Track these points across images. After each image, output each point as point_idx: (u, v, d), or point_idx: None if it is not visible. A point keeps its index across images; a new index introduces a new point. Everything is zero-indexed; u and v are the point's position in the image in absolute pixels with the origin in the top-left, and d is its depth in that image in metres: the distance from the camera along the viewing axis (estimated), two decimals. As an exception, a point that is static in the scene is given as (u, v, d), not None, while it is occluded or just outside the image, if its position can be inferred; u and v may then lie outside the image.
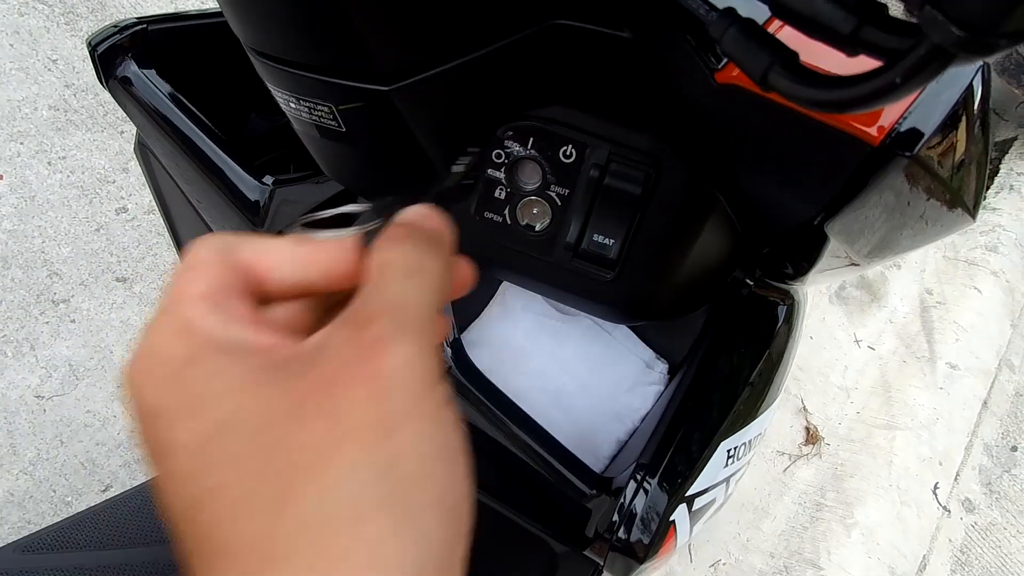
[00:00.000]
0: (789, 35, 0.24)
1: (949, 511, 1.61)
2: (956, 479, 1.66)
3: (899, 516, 1.55)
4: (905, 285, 2.02)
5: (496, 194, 0.39)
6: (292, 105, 0.39)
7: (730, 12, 0.25)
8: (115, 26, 0.57)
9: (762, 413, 0.48)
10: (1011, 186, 2.26)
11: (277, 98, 0.40)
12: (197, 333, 0.20)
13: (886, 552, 1.49)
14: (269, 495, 0.18)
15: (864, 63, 0.21)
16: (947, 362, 1.81)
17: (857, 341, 1.88)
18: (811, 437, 1.69)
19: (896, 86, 0.19)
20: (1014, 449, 1.75)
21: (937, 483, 1.63)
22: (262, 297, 0.23)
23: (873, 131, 0.30)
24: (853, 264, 0.47)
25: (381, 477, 0.18)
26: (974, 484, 1.68)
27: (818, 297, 1.91)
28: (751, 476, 1.59)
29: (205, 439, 0.18)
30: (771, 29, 0.29)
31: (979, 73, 0.30)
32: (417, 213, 0.24)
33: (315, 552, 0.17)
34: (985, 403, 1.79)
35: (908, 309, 1.96)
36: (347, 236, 0.24)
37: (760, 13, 0.27)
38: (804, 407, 1.72)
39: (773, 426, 1.67)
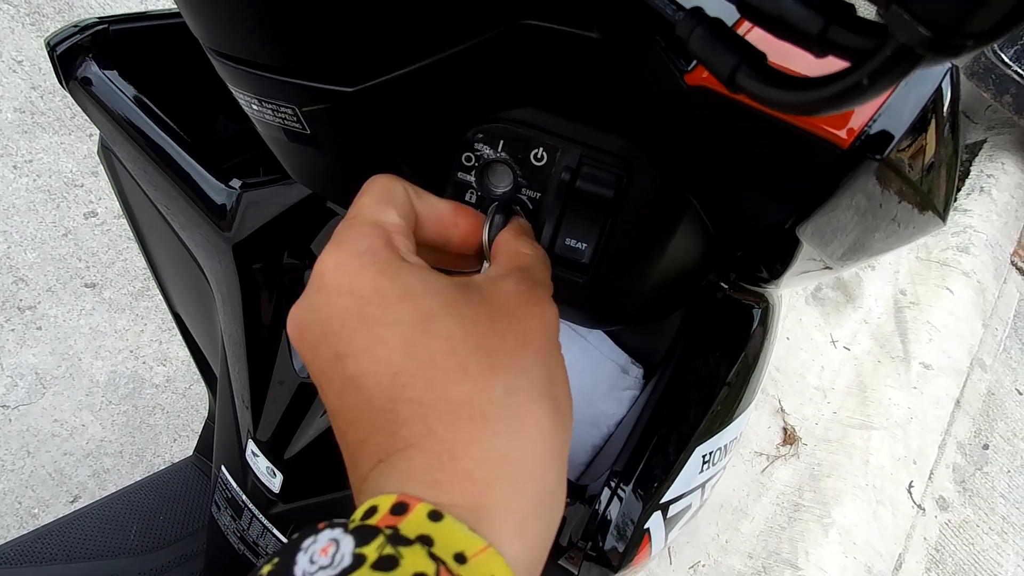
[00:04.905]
0: (758, 37, 0.24)
1: (924, 509, 1.63)
2: (930, 477, 1.68)
3: (875, 515, 1.56)
4: (879, 286, 2.04)
5: (466, 198, 0.39)
6: (255, 107, 0.38)
7: (697, 12, 0.25)
8: (75, 26, 0.55)
9: (737, 417, 0.48)
10: (981, 188, 2.30)
11: (239, 100, 0.39)
12: (397, 246, 0.27)
13: (863, 551, 1.50)
14: (479, 368, 0.24)
15: (834, 65, 0.20)
16: (921, 362, 1.84)
17: (833, 341, 1.90)
18: (788, 437, 1.70)
19: (863, 87, 0.19)
20: (986, 447, 1.78)
21: (912, 482, 1.65)
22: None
23: (843, 134, 0.29)
24: (827, 267, 0.47)
25: (547, 377, 0.26)
26: (948, 482, 1.70)
27: (795, 298, 1.93)
28: (730, 477, 1.60)
29: (424, 318, 0.24)
30: (740, 31, 0.28)
31: (948, 75, 0.30)
32: (525, 223, 0.35)
33: (515, 413, 0.24)
34: (958, 402, 1.82)
35: (882, 309, 1.99)
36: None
37: (728, 13, 0.26)
38: (781, 408, 1.73)
39: (751, 427, 1.68)
